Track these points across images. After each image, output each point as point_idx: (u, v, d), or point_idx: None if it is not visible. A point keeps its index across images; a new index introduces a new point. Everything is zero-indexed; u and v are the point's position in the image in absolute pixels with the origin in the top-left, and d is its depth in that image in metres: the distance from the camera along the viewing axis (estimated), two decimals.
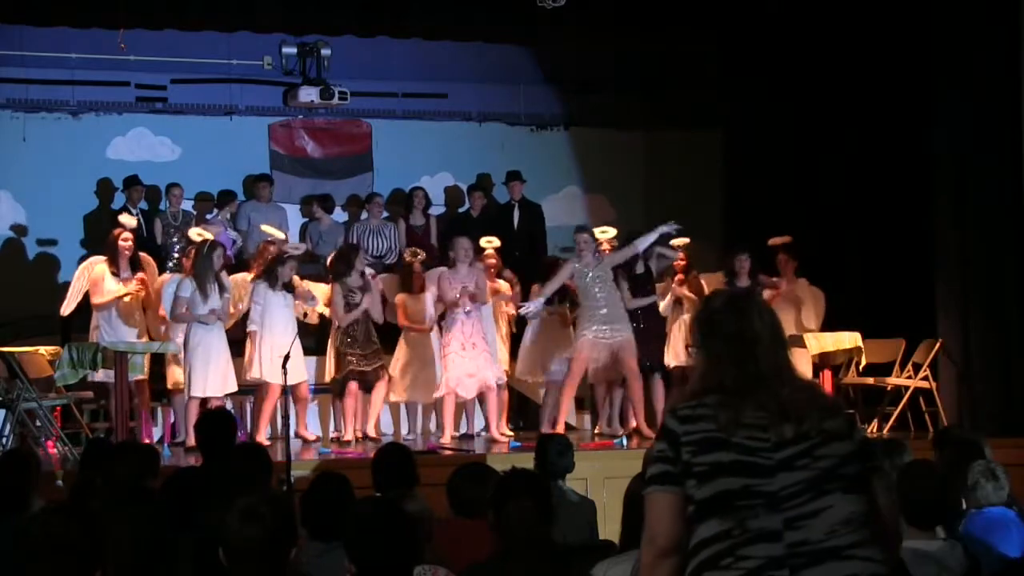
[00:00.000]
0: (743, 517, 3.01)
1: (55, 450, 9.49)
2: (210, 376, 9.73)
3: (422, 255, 10.91)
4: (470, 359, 10.05)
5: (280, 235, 11.01)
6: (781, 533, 3.00)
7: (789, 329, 10.96)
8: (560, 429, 9.77)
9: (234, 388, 9.96)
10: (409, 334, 10.70)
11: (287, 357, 8.78)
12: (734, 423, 3.07)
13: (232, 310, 10.26)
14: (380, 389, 10.39)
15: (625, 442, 9.92)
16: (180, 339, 9.95)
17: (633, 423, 10.40)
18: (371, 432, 10.41)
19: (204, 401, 9.73)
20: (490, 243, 11.09)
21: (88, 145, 12.71)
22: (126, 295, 10.14)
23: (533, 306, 10.16)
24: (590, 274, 10.04)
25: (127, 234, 10.33)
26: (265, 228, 11.22)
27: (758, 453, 3.05)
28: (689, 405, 3.12)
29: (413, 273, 10.71)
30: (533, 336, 10.90)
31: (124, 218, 10.72)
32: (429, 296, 10.49)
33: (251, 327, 10.04)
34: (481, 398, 10.38)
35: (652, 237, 10.34)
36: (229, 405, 10.16)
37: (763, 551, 2.99)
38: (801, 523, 3.01)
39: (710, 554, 3.02)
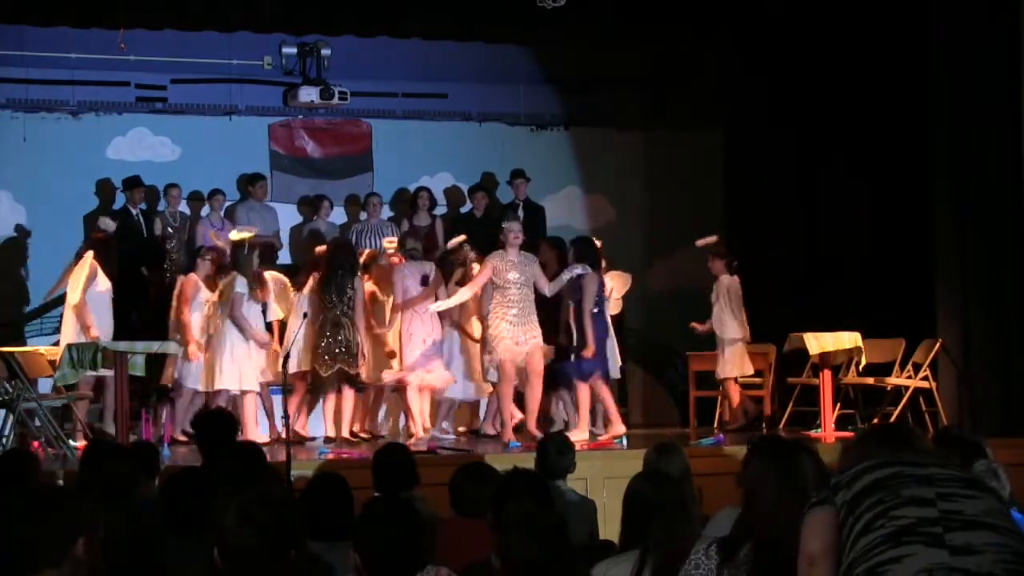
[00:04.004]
0: (895, 488, 3.00)
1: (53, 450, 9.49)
2: (229, 370, 10.00)
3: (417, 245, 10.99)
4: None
5: (248, 233, 10.94)
6: (934, 501, 2.97)
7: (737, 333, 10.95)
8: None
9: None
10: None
11: (287, 357, 8.76)
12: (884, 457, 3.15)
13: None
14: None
15: (625, 442, 9.90)
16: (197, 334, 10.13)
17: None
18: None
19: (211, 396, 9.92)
20: None
21: (88, 145, 12.69)
22: None
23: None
24: (512, 272, 9.86)
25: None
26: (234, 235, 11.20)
27: (906, 460, 3.11)
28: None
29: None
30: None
31: (104, 223, 10.82)
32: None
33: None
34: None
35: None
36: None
37: (915, 512, 2.95)
38: (955, 499, 2.98)
39: (863, 523, 2.99)
